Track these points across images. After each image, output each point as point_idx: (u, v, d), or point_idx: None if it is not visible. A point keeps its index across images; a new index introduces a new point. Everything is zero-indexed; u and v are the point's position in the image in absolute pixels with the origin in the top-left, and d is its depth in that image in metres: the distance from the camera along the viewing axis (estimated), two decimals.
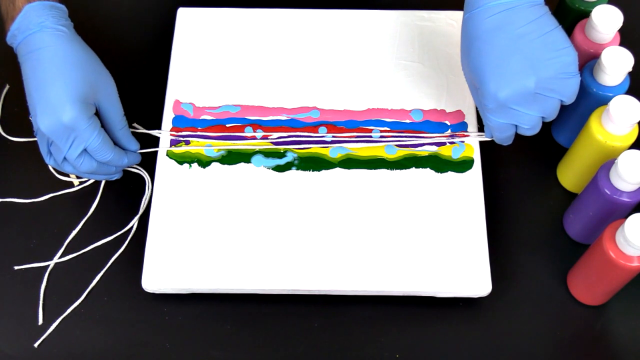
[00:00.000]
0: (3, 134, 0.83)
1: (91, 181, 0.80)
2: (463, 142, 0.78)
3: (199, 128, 0.79)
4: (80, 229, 0.78)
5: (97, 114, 0.73)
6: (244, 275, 0.72)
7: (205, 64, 0.82)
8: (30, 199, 0.79)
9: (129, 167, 0.79)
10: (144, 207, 0.78)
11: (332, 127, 0.79)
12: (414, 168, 0.76)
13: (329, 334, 0.73)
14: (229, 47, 0.83)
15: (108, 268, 0.76)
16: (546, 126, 0.81)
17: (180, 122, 0.79)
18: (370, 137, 0.78)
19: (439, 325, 0.74)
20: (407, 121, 0.79)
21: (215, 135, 0.78)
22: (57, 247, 0.77)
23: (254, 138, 0.78)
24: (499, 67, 0.66)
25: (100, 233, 0.78)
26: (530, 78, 0.65)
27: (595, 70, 0.73)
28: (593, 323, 0.74)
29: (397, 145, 0.77)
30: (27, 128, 0.78)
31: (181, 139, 0.78)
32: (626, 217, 0.64)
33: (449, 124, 0.79)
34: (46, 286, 0.75)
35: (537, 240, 0.77)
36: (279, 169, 0.77)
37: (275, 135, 0.78)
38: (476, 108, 0.78)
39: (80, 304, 0.75)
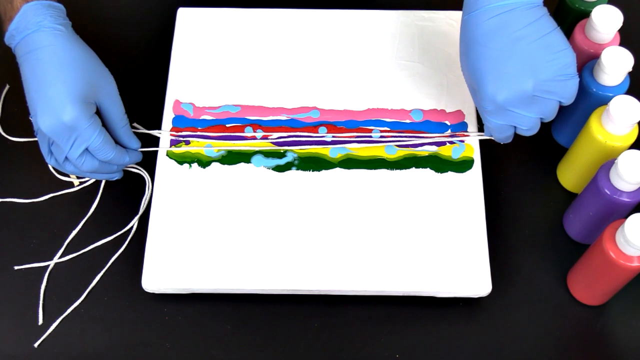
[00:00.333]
0: (3, 134, 0.83)
1: (91, 181, 0.80)
2: (463, 141, 0.78)
3: (199, 128, 0.79)
4: (80, 229, 0.78)
5: (98, 112, 0.73)
6: (244, 275, 0.72)
7: (205, 64, 0.82)
8: (30, 199, 0.79)
9: (129, 166, 0.79)
10: (144, 207, 0.78)
11: (332, 127, 0.79)
12: (414, 168, 0.76)
13: (329, 334, 0.73)
14: (229, 47, 0.83)
15: (108, 268, 0.76)
16: (546, 126, 0.81)
17: (180, 122, 0.79)
18: (370, 137, 0.78)
19: (439, 325, 0.74)
20: (407, 121, 0.79)
21: (215, 135, 0.78)
22: (57, 247, 0.77)
23: (254, 138, 0.78)
24: (497, 70, 0.66)
25: (100, 233, 0.78)
26: (528, 81, 0.66)
27: (595, 70, 0.73)
28: (593, 323, 0.74)
29: (397, 146, 0.77)
30: (27, 128, 0.78)
31: (181, 139, 0.78)
32: (626, 217, 0.64)
33: (449, 124, 0.79)
34: (46, 286, 0.75)
35: (537, 240, 0.77)
36: (279, 169, 0.77)
37: (275, 135, 0.78)
38: (476, 108, 0.78)
39: (80, 304, 0.75)
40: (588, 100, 0.73)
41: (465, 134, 0.78)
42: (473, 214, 0.74)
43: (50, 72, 0.69)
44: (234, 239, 0.73)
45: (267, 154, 0.77)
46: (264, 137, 0.78)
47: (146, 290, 0.73)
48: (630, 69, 0.71)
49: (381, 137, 0.78)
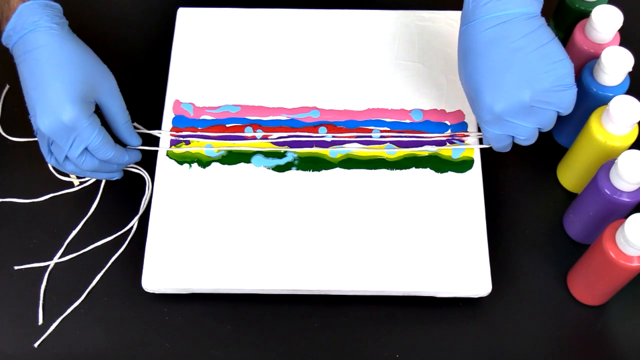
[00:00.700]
0: (3, 134, 0.83)
1: (91, 181, 0.80)
2: (463, 141, 0.78)
3: (199, 128, 0.79)
4: (80, 229, 0.78)
5: (99, 110, 0.73)
6: (244, 275, 0.72)
7: (205, 64, 0.82)
8: (30, 199, 0.79)
9: (129, 166, 0.79)
10: (144, 207, 0.78)
11: (332, 127, 0.79)
12: (414, 168, 0.76)
13: (329, 334, 0.73)
14: (229, 47, 0.83)
15: (108, 268, 0.76)
16: None
17: (180, 122, 0.79)
18: (370, 137, 0.78)
19: (439, 325, 0.74)
20: (407, 121, 0.79)
21: (215, 135, 0.78)
22: (57, 247, 0.77)
23: (254, 138, 0.78)
24: (495, 81, 0.67)
25: (100, 233, 0.78)
26: (525, 91, 0.66)
27: (595, 70, 0.73)
28: (593, 323, 0.74)
29: (397, 146, 0.77)
30: (27, 128, 0.78)
31: (181, 139, 0.78)
32: (626, 217, 0.64)
33: (449, 124, 0.79)
34: (46, 286, 0.75)
35: (537, 240, 0.77)
36: (279, 169, 0.77)
37: (275, 135, 0.78)
38: None
39: (80, 304, 0.75)
40: (588, 100, 0.73)
41: (465, 134, 0.78)
42: (473, 214, 0.74)
43: (47, 72, 0.69)
44: (233, 239, 0.73)
45: (267, 154, 0.77)
46: (264, 137, 0.78)
47: (146, 290, 0.73)
48: (630, 69, 0.71)
49: (381, 137, 0.78)
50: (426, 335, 0.73)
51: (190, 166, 0.77)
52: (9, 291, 0.75)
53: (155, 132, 0.79)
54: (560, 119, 0.78)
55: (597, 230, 0.72)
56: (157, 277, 0.72)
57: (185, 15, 0.85)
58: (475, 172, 0.76)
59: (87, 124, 0.70)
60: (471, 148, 0.77)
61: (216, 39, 0.83)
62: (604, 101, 0.72)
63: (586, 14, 0.77)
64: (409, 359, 0.72)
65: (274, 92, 0.80)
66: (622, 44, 0.75)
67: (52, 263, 0.76)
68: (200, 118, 0.79)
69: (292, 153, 0.77)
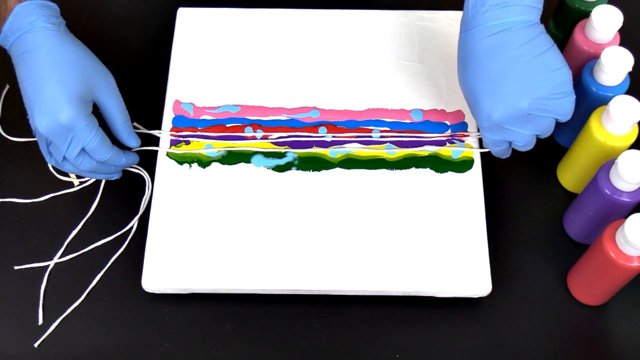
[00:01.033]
0: (3, 134, 0.83)
1: (91, 181, 0.80)
2: (463, 141, 0.78)
3: (199, 128, 0.79)
4: (80, 229, 0.78)
5: (98, 110, 0.73)
6: (244, 275, 0.72)
7: (205, 64, 0.82)
8: (30, 199, 0.79)
9: (129, 167, 0.79)
10: (144, 207, 0.78)
11: (332, 127, 0.79)
12: (414, 168, 0.76)
13: (329, 334, 0.73)
14: (229, 47, 0.83)
15: (108, 268, 0.76)
16: None
17: (180, 122, 0.79)
18: (370, 137, 0.78)
19: (439, 325, 0.74)
20: (407, 121, 0.79)
21: (215, 135, 0.78)
22: (57, 247, 0.77)
23: (254, 138, 0.78)
24: (493, 89, 0.67)
25: (100, 233, 0.78)
26: (523, 100, 0.66)
27: (595, 70, 0.73)
28: (593, 323, 0.74)
29: (397, 146, 0.77)
30: (27, 128, 0.78)
31: (181, 139, 0.78)
32: (626, 217, 0.64)
33: (449, 124, 0.79)
34: (46, 286, 0.75)
35: (537, 240, 0.77)
36: (279, 169, 0.77)
37: (275, 135, 0.78)
38: None
39: (80, 304, 0.75)
40: (588, 100, 0.73)
41: (465, 134, 0.78)
42: (473, 214, 0.74)
43: (45, 73, 0.69)
44: (234, 239, 0.73)
45: (267, 154, 0.77)
46: (264, 137, 0.78)
47: (146, 290, 0.73)
48: (630, 69, 0.71)
49: (381, 137, 0.78)
50: (426, 335, 0.73)
51: (190, 166, 0.77)
52: (9, 291, 0.75)
53: (155, 132, 0.79)
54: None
55: (597, 230, 0.72)
56: (157, 277, 0.72)
57: (185, 15, 0.85)
58: (475, 172, 0.76)
59: (84, 124, 0.70)
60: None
61: (216, 39, 0.83)
62: (604, 101, 0.72)
63: (586, 14, 0.77)
64: (409, 359, 0.72)
65: (274, 92, 0.80)
66: (622, 44, 0.74)
67: (52, 263, 0.76)
68: (200, 118, 0.79)
69: (292, 153, 0.77)
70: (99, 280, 0.76)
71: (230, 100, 0.80)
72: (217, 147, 0.78)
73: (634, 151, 0.66)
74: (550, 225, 0.78)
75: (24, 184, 0.80)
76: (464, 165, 0.76)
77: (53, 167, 0.80)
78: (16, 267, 0.76)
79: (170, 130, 0.79)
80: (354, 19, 0.84)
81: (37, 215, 0.79)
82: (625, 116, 0.68)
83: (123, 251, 0.77)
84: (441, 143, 0.78)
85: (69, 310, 0.74)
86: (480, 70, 0.67)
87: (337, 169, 0.76)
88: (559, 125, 0.81)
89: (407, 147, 0.77)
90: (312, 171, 0.76)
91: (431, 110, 0.80)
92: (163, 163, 0.77)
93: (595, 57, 0.74)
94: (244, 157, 0.77)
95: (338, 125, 0.79)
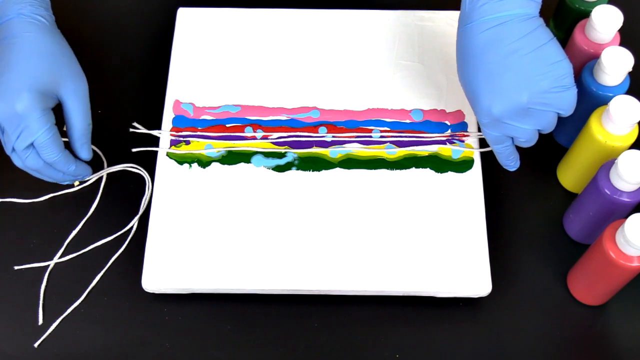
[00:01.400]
0: None
1: (91, 181, 0.80)
2: (463, 141, 0.78)
3: (199, 128, 0.79)
4: (80, 229, 0.78)
5: (61, 112, 0.72)
6: (244, 275, 0.72)
7: (205, 64, 0.82)
8: (30, 199, 0.79)
9: (129, 166, 0.79)
10: (144, 207, 0.78)
11: (332, 127, 0.79)
12: (414, 168, 0.76)
13: (329, 334, 0.73)
14: (229, 47, 0.83)
15: (108, 268, 0.76)
16: None
17: (180, 122, 0.79)
18: (370, 137, 0.78)
19: (439, 325, 0.74)
20: (407, 121, 0.79)
21: (215, 135, 0.78)
22: (57, 247, 0.77)
23: (254, 138, 0.78)
24: (492, 84, 0.66)
25: (100, 233, 0.78)
26: (522, 94, 0.65)
27: (595, 70, 0.73)
28: (593, 323, 0.74)
29: (397, 146, 0.77)
30: None
31: (181, 139, 0.78)
32: (626, 217, 0.64)
33: (449, 124, 0.79)
34: (46, 286, 0.75)
35: (537, 240, 0.77)
36: (279, 169, 0.77)
37: (275, 135, 0.78)
38: None
39: (80, 304, 0.75)
40: (588, 100, 0.73)
41: (465, 134, 0.78)
42: (473, 214, 0.74)
43: (13, 59, 0.69)
44: (234, 239, 0.73)
45: (267, 154, 0.77)
46: (264, 137, 0.78)
47: (146, 290, 0.73)
48: (630, 69, 0.71)
49: (381, 137, 0.78)
50: (426, 335, 0.73)
51: (190, 166, 0.77)
52: (9, 291, 0.75)
53: (155, 132, 0.79)
54: (560, 119, 0.78)
55: (597, 230, 0.72)
56: (157, 277, 0.72)
57: (185, 15, 0.85)
58: (475, 172, 0.76)
59: (38, 116, 0.68)
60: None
61: (216, 39, 0.83)
62: (604, 101, 0.72)
63: (586, 14, 0.77)
64: (408, 359, 0.72)
65: (274, 92, 0.80)
66: (622, 44, 0.74)
67: (52, 263, 0.76)
68: (200, 118, 0.79)
69: (292, 153, 0.77)
70: (99, 280, 0.76)
71: (230, 100, 0.80)
72: (217, 147, 0.78)
73: (634, 151, 0.66)
74: (550, 225, 0.78)
75: (24, 184, 0.80)
76: (464, 165, 0.76)
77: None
78: (16, 267, 0.76)
79: (170, 130, 0.79)
80: (354, 19, 0.84)
81: (37, 215, 0.79)
82: (625, 116, 0.68)
83: (123, 251, 0.77)
84: (441, 143, 0.78)
85: (69, 310, 0.74)
86: (479, 65, 0.67)
87: (337, 169, 0.76)
88: (559, 125, 0.81)
89: (407, 147, 0.77)
90: (312, 171, 0.76)
91: (431, 110, 0.80)
92: (163, 163, 0.77)
93: (595, 57, 0.74)
94: (244, 157, 0.77)
95: (338, 125, 0.79)
